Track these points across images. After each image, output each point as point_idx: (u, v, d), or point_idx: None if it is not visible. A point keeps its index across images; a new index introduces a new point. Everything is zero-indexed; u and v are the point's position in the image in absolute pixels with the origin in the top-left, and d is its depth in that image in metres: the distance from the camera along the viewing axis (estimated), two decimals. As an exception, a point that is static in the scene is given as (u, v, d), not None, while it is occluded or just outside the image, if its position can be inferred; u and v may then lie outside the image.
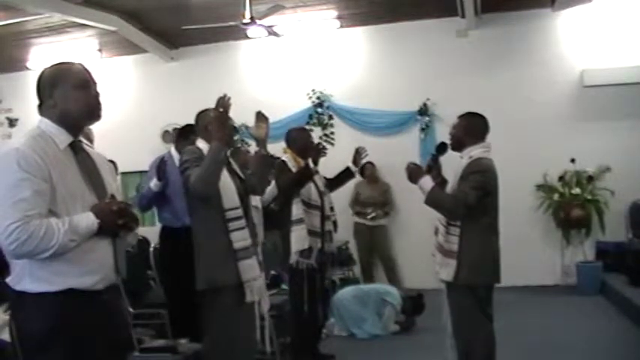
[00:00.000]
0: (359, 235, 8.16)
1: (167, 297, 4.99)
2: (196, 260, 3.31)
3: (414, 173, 3.78)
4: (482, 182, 3.56)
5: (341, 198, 7.67)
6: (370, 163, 7.96)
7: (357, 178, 7.81)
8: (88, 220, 2.16)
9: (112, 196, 2.31)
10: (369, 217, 8.01)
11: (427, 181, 3.72)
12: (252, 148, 3.74)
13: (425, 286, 6.24)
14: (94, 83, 2.35)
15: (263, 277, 3.46)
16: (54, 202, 2.14)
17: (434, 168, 3.95)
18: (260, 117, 3.60)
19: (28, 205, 2.06)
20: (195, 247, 3.32)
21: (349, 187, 7.80)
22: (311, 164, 4.89)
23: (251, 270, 3.28)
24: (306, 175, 4.80)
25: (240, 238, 3.25)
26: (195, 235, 3.34)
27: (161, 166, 4.79)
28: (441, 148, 3.94)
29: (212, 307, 3.26)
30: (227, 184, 3.28)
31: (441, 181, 3.92)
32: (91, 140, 3.98)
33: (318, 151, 5.04)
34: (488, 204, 3.63)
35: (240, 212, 3.28)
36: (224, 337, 3.24)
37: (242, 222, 3.28)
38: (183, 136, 4.79)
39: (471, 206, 3.53)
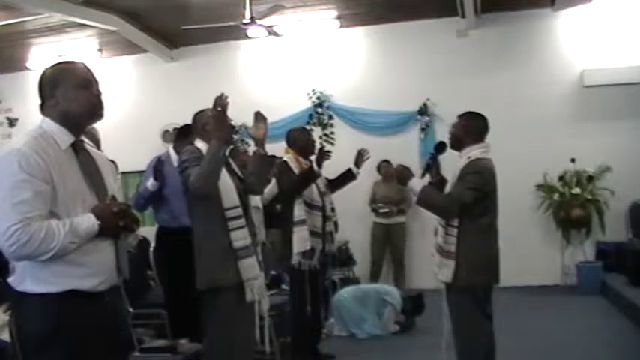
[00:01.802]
0: (375, 234, 8.11)
1: (165, 297, 4.99)
2: (197, 260, 3.31)
3: (402, 175, 3.78)
4: (478, 183, 3.55)
5: (358, 198, 7.71)
6: (386, 161, 7.98)
7: (375, 177, 7.89)
8: (88, 221, 2.16)
9: (113, 198, 2.31)
10: (380, 211, 7.99)
11: (417, 182, 3.72)
12: (252, 148, 3.75)
13: (427, 286, 6.23)
14: (96, 82, 2.33)
15: (263, 276, 3.46)
16: (55, 203, 2.13)
17: (433, 167, 3.95)
18: (258, 117, 3.60)
19: (29, 207, 2.05)
20: (196, 247, 3.32)
21: (367, 186, 7.85)
22: (314, 166, 4.89)
23: (251, 269, 3.28)
24: (310, 178, 4.79)
25: (240, 237, 3.26)
26: (195, 235, 3.34)
27: (158, 165, 4.76)
28: (440, 147, 3.93)
29: (212, 307, 3.26)
30: (226, 183, 3.28)
31: (440, 180, 3.92)
32: (97, 141, 3.96)
33: (322, 155, 5.03)
34: (487, 205, 3.61)
35: (239, 211, 3.28)
36: (224, 336, 3.24)
37: (242, 221, 3.28)
38: (182, 136, 4.76)
39: (467, 206, 3.53)
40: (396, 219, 8.05)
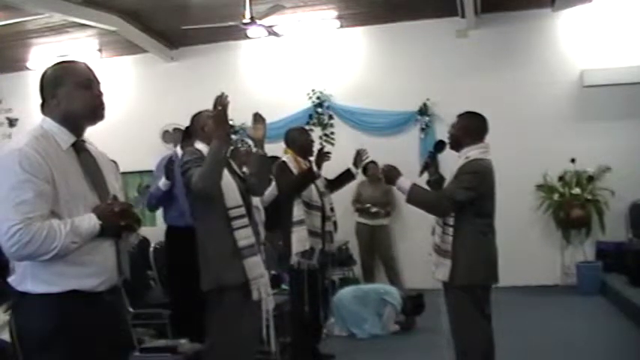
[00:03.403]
0: (360, 234, 8.14)
1: (170, 297, 5.00)
2: (202, 261, 3.31)
3: (390, 174, 3.78)
4: (473, 183, 3.55)
5: (342, 198, 7.70)
6: (373, 162, 7.96)
7: (360, 177, 7.87)
8: (90, 221, 2.15)
9: (114, 197, 2.30)
10: (372, 210, 7.98)
11: (405, 181, 3.72)
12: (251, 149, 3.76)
13: (425, 286, 6.23)
14: (98, 82, 2.33)
15: (267, 275, 3.46)
16: (56, 203, 2.12)
17: (431, 165, 3.95)
18: (257, 118, 3.61)
19: (30, 207, 2.05)
20: (200, 248, 3.33)
21: (351, 186, 7.83)
22: (314, 167, 4.88)
23: (256, 267, 3.29)
24: (309, 178, 4.79)
25: (244, 236, 3.26)
26: (199, 236, 3.34)
27: (169, 165, 4.84)
28: (439, 146, 3.94)
29: (218, 308, 3.26)
30: (229, 183, 3.29)
31: (438, 178, 3.93)
32: None
33: (322, 156, 5.02)
34: (483, 205, 3.62)
35: (242, 210, 3.29)
36: (227, 337, 3.24)
37: (245, 220, 3.29)
38: (188, 136, 4.80)
39: (460, 204, 3.53)
40: (381, 221, 8.07)
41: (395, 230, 8.31)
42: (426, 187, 3.97)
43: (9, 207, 2.05)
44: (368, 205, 8.00)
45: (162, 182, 4.85)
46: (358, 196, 8.14)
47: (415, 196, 3.70)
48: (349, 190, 7.81)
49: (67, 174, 2.18)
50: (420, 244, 7.45)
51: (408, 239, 8.21)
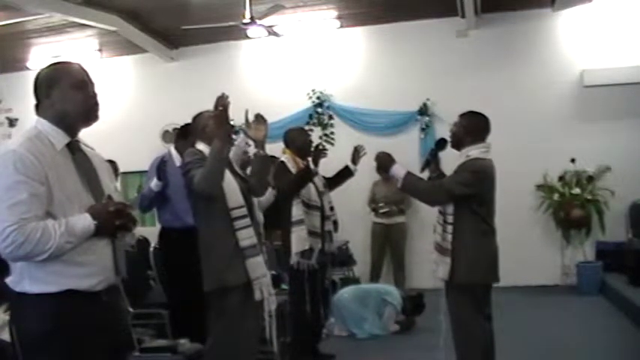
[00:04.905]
0: (375, 234, 8.05)
1: (169, 298, 4.99)
2: (203, 261, 3.30)
3: (384, 161, 3.78)
4: (470, 180, 3.56)
5: (356, 198, 7.72)
6: None
7: (375, 177, 7.84)
8: (84, 221, 2.15)
9: (109, 197, 2.30)
10: (381, 211, 7.95)
11: (399, 168, 3.74)
12: (251, 149, 3.75)
13: (427, 286, 6.23)
14: (92, 83, 2.33)
15: (269, 275, 3.46)
16: (51, 203, 2.12)
17: (432, 162, 3.96)
18: (259, 119, 3.60)
19: (25, 208, 2.05)
20: (202, 249, 3.32)
21: (366, 187, 7.83)
22: (311, 165, 4.88)
23: (259, 268, 3.29)
24: (307, 176, 4.79)
25: (246, 236, 3.26)
26: (201, 237, 3.34)
27: (161, 166, 4.78)
28: (441, 143, 3.95)
29: (219, 308, 3.26)
30: (230, 183, 3.29)
31: (439, 176, 3.93)
32: None
33: (318, 153, 5.03)
34: (484, 205, 3.62)
35: (244, 211, 3.29)
36: (228, 337, 3.24)
37: (247, 220, 3.28)
38: (182, 135, 4.78)
39: (454, 197, 3.55)
40: (396, 219, 8.01)
41: (412, 228, 8.13)
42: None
43: (3, 208, 2.05)
44: (381, 204, 7.95)
45: (154, 183, 4.75)
46: (373, 196, 8.08)
47: (409, 184, 3.71)
48: (364, 190, 7.83)
49: (61, 174, 2.18)
50: (426, 242, 7.42)
51: (425, 236, 8.05)
